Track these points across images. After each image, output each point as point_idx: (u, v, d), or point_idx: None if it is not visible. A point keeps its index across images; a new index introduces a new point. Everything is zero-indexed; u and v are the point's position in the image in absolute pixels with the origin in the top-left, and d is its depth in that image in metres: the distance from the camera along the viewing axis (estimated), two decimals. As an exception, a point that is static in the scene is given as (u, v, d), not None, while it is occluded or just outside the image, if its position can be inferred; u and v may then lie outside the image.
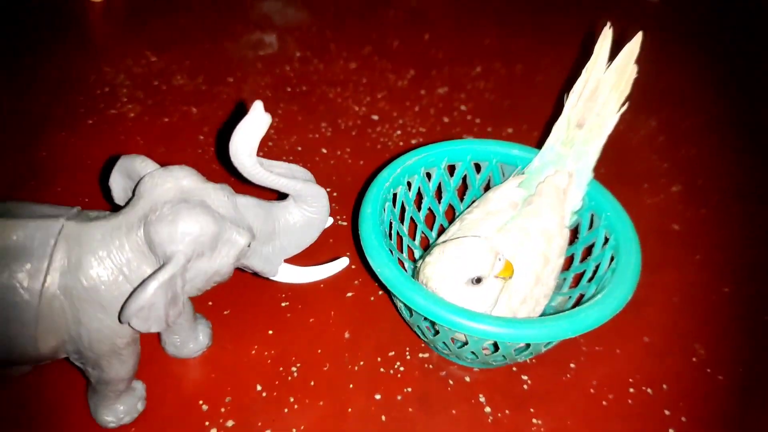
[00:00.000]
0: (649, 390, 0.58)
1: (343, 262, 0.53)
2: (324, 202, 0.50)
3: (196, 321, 0.55)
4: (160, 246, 0.42)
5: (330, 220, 0.52)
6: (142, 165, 0.46)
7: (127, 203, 0.45)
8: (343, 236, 0.68)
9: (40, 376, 0.53)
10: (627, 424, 0.55)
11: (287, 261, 0.51)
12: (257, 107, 0.42)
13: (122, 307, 0.41)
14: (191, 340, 0.55)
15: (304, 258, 0.53)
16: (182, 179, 0.44)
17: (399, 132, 0.83)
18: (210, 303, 0.60)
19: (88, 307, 0.42)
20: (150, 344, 0.55)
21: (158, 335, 0.55)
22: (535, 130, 0.84)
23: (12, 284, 0.41)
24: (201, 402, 0.53)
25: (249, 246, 0.45)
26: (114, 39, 0.96)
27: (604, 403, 0.56)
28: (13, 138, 0.75)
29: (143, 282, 0.41)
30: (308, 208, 0.49)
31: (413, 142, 0.82)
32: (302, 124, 0.82)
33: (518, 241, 0.53)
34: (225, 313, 0.59)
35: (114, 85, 0.85)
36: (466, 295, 0.48)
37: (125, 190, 0.48)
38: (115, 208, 0.46)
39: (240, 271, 0.50)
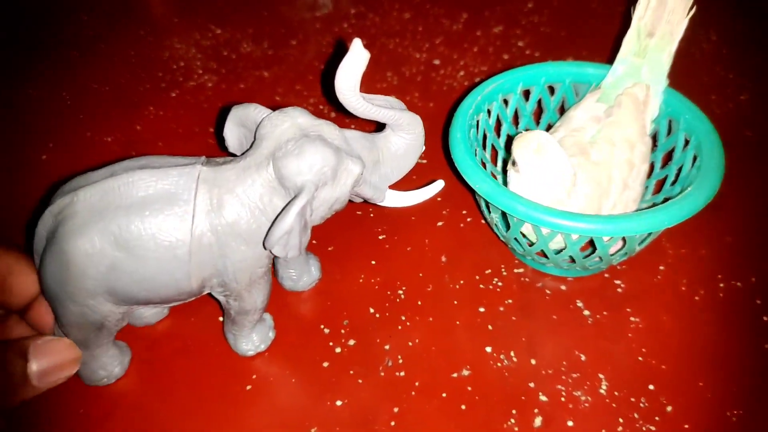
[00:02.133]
0: (738, 284, 0.60)
1: (439, 185, 0.56)
2: (420, 128, 0.53)
3: (307, 256, 0.60)
4: (290, 179, 0.46)
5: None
6: (255, 111, 0.50)
7: (251, 146, 0.49)
8: (424, 174, 0.71)
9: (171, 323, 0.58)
10: (720, 315, 0.58)
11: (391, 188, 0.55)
12: (356, 45, 0.45)
13: (267, 235, 0.46)
14: (305, 273, 0.59)
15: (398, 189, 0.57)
16: (298, 118, 0.48)
17: (462, 73, 0.86)
18: (314, 242, 0.65)
19: (231, 240, 0.47)
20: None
21: (275, 272, 0.60)
22: (597, 56, 0.84)
23: (167, 226, 0.46)
24: (322, 326, 0.58)
25: (362, 174, 0.49)
26: (178, 17, 1.00)
27: (696, 298, 0.59)
28: (108, 118, 0.81)
29: (282, 210, 0.45)
30: (406, 135, 0.53)
31: (477, 80, 0.85)
32: (368, 76, 0.83)
33: (606, 150, 0.55)
34: (329, 249, 0.64)
35: (187, 59, 0.90)
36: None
37: (239, 139, 0.53)
38: (230, 156, 0.51)
39: (337, 213, 0.53)
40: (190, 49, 0.93)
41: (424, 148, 0.56)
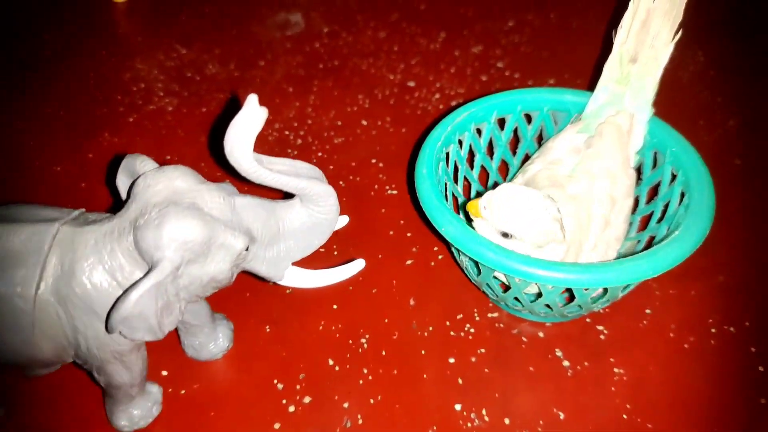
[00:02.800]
0: (731, 329, 0.55)
1: (358, 265, 0.49)
2: (332, 200, 0.46)
3: (215, 322, 0.53)
4: (146, 252, 0.40)
5: (344, 220, 0.49)
6: (141, 165, 0.44)
7: (123, 206, 0.43)
8: (394, 205, 0.67)
9: (58, 375, 0.52)
10: (712, 365, 0.53)
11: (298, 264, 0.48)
12: (251, 101, 0.39)
13: (107, 317, 0.40)
14: (211, 341, 0.53)
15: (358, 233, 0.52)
16: (175, 179, 0.42)
17: (437, 95, 0.81)
18: (271, 283, 0.59)
19: (82, 314, 0.42)
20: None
21: (177, 337, 0.54)
22: (579, 78, 0.81)
23: (8, 291, 0.41)
24: (276, 381, 0.52)
25: (247, 250, 0.43)
26: (142, 36, 0.95)
27: (685, 346, 0.54)
28: (59, 143, 0.76)
29: (125, 291, 0.39)
30: (315, 207, 0.46)
31: (453, 103, 0.80)
32: (339, 99, 0.81)
33: (585, 184, 0.51)
34: (287, 291, 0.59)
35: (149, 81, 0.85)
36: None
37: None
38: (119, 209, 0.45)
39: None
40: (152, 70, 0.88)
41: (343, 222, 0.49)
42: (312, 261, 0.48)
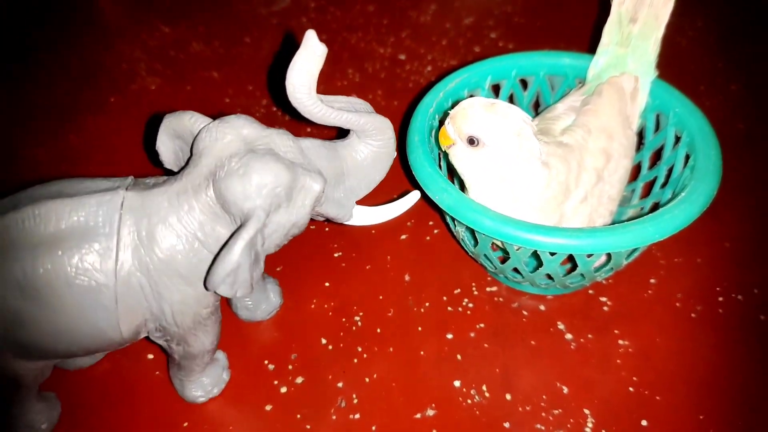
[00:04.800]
0: (739, 297, 0.53)
1: (414, 196, 0.48)
2: (390, 133, 0.45)
3: (264, 280, 0.52)
4: (234, 204, 0.38)
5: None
6: (192, 121, 0.42)
7: (187, 164, 0.41)
8: (387, 179, 0.64)
9: (101, 367, 0.51)
10: (721, 334, 0.51)
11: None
12: (310, 38, 0.37)
13: (208, 274, 0.38)
14: (263, 300, 0.52)
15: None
16: (242, 128, 0.40)
17: (429, 68, 0.79)
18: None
19: (167, 279, 0.40)
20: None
21: (227, 301, 0.52)
22: (575, 47, 0.77)
23: (84, 267, 0.38)
24: (266, 362, 0.50)
25: (323, 191, 0.42)
26: (124, 17, 0.92)
27: (692, 315, 0.52)
28: (41, 127, 0.73)
29: (226, 244, 0.37)
30: (373, 142, 0.45)
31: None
32: (328, 74, 0.78)
33: (579, 135, 0.48)
34: (278, 269, 0.57)
35: (131, 61, 0.83)
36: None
37: (175, 152, 0.45)
38: (167, 173, 0.43)
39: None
40: (134, 50, 0.85)
41: (395, 155, 0.48)
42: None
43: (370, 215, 0.48)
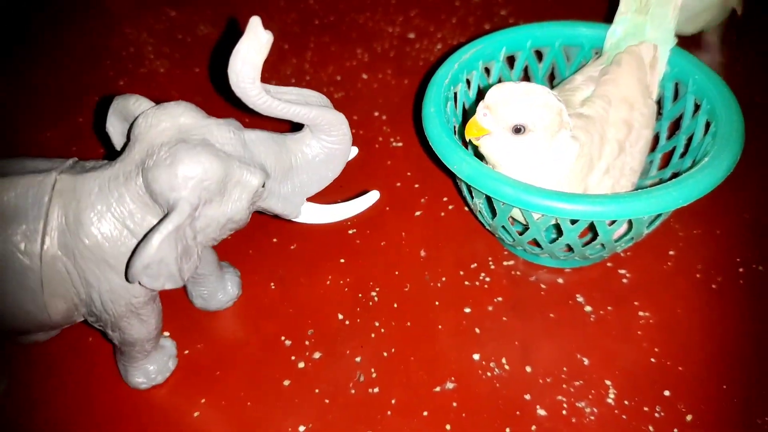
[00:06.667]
0: (760, 267, 0.53)
1: (373, 196, 0.47)
2: (344, 129, 0.43)
3: (222, 270, 0.50)
4: (161, 194, 0.37)
5: (354, 150, 0.46)
6: (135, 105, 0.41)
7: (123, 148, 0.40)
8: (400, 157, 0.64)
9: (60, 340, 0.50)
10: (742, 305, 0.50)
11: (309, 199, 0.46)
12: (254, 24, 0.36)
13: (126, 266, 0.37)
14: (219, 290, 0.50)
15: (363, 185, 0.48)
16: (179, 116, 0.39)
17: (440, 46, 0.78)
18: (275, 240, 0.57)
19: (95, 267, 0.39)
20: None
21: (184, 287, 0.51)
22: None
23: (9, 249, 0.37)
24: (283, 338, 0.50)
25: (264, 186, 0.40)
26: (128, 1, 0.92)
27: (713, 286, 0.51)
28: (50, 108, 0.73)
29: (145, 236, 0.36)
30: (327, 138, 0.43)
31: (457, 53, 0.77)
32: (337, 54, 0.77)
33: (600, 106, 0.47)
34: (292, 248, 0.56)
35: (138, 45, 0.82)
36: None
37: (124, 135, 0.43)
38: (115, 156, 0.42)
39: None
40: (141, 34, 0.84)
41: (352, 153, 0.46)
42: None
43: (321, 214, 0.46)
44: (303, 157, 0.43)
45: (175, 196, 0.37)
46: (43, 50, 0.83)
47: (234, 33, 0.82)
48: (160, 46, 0.82)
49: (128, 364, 0.46)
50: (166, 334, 0.50)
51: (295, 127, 0.44)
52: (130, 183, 0.38)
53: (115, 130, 0.44)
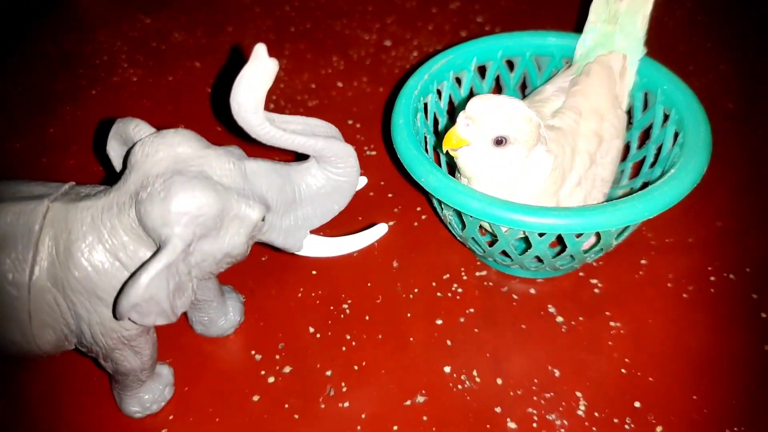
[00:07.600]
0: (731, 276, 0.53)
1: (381, 229, 0.46)
2: (352, 161, 0.42)
3: (224, 296, 0.49)
4: (152, 230, 0.36)
5: (363, 181, 0.45)
6: (135, 130, 0.39)
7: (119, 176, 0.39)
8: (373, 166, 0.64)
9: (59, 360, 0.49)
10: (714, 314, 0.50)
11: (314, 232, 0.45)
12: (259, 52, 0.34)
13: (115, 303, 0.36)
14: (221, 316, 0.49)
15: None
16: (177, 146, 0.37)
17: (416, 53, 0.78)
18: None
19: (85, 299, 0.38)
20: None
21: (185, 313, 0.50)
22: (564, 29, 0.77)
23: None
24: (253, 352, 0.49)
25: (263, 220, 0.39)
26: (104, 8, 0.91)
27: (684, 295, 0.52)
28: (19, 118, 0.72)
29: (134, 273, 0.35)
30: (333, 169, 0.41)
31: (433, 61, 0.76)
32: (312, 61, 0.77)
33: (570, 118, 0.47)
34: (263, 259, 0.56)
35: (112, 53, 0.81)
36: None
37: (122, 159, 0.42)
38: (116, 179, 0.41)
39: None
40: (115, 42, 0.83)
41: (363, 183, 0.45)
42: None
43: (325, 247, 0.45)
44: (307, 188, 0.42)
45: (167, 232, 0.35)
46: (11, 57, 0.81)
47: (212, 42, 0.82)
48: (134, 53, 0.81)
49: (122, 393, 0.44)
50: (167, 360, 0.49)
51: (301, 155, 0.42)
52: (123, 215, 0.37)
53: (115, 153, 0.42)
